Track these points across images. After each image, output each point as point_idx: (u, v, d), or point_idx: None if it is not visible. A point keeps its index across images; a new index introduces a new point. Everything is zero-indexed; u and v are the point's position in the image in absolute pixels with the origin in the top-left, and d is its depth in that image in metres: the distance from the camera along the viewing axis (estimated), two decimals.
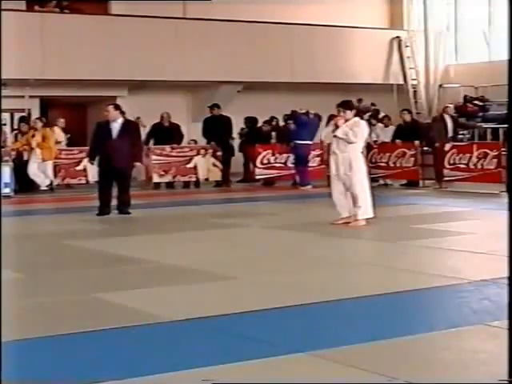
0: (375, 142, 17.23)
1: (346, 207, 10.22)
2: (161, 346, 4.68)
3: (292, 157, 17.57)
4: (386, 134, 17.49)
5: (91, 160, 12.37)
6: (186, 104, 21.20)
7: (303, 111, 17.39)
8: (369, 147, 16.06)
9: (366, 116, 19.05)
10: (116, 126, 11.80)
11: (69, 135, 18.10)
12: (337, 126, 10.18)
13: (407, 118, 17.24)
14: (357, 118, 10.28)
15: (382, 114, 18.71)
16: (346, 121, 10.17)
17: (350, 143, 10.06)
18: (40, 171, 16.38)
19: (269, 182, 17.96)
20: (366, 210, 10.07)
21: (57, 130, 17.48)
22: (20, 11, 18.13)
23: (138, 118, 17.46)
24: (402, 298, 5.98)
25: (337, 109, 10.36)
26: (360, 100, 20.04)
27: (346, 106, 10.31)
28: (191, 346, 4.68)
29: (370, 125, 18.10)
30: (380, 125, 17.91)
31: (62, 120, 17.99)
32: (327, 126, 10.71)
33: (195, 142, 18.59)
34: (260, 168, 17.85)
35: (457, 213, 11.81)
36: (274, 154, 17.90)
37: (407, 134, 16.73)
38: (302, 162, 17.31)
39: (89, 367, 4.28)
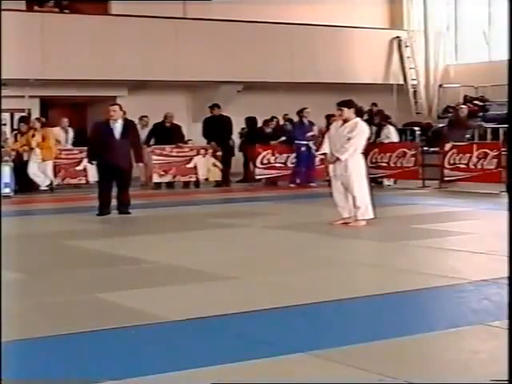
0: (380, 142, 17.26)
1: (346, 207, 10.21)
2: (161, 345, 4.68)
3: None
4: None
5: (91, 160, 12.36)
6: (185, 104, 21.20)
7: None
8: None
9: (365, 116, 19.09)
10: (117, 126, 11.80)
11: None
12: (344, 122, 10.11)
13: None
14: (357, 119, 10.21)
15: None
16: (345, 121, 10.12)
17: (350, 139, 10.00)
18: (40, 171, 16.38)
19: (271, 182, 17.97)
20: (365, 210, 10.05)
21: (56, 130, 17.54)
22: (20, 11, 18.14)
23: (145, 116, 17.64)
24: (401, 298, 5.98)
25: (336, 108, 10.34)
26: (374, 104, 19.82)
27: (344, 104, 10.22)
28: (191, 346, 4.68)
29: (375, 125, 18.19)
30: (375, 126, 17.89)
31: (66, 120, 18.03)
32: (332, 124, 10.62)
33: (192, 142, 18.62)
34: (260, 168, 17.85)
35: (457, 213, 11.81)
36: (273, 154, 17.89)
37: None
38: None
39: (89, 367, 4.28)
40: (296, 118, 17.96)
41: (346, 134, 10.01)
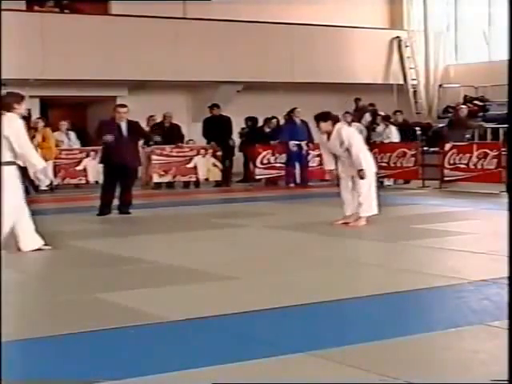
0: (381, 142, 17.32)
1: (350, 206, 10.21)
2: (161, 345, 4.68)
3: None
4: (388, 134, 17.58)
5: (103, 163, 12.32)
6: (186, 104, 21.20)
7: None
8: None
9: (368, 116, 19.15)
10: (123, 126, 11.83)
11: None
12: (328, 136, 10.04)
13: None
14: (338, 126, 9.97)
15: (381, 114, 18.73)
16: (328, 133, 10.05)
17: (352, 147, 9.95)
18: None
19: (271, 182, 17.98)
20: (367, 207, 10.06)
21: (57, 135, 17.61)
22: (20, 11, 18.14)
23: (152, 116, 17.77)
24: (402, 298, 5.97)
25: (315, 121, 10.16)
26: (358, 99, 20.11)
27: (319, 117, 10.00)
28: (191, 346, 4.68)
29: (374, 124, 18.25)
30: (381, 125, 17.94)
31: (64, 123, 18.02)
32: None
33: (193, 142, 18.61)
34: (260, 168, 17.86)
35: (457, 213, 11.81)
36: (273, 154, 17.89)
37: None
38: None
39: (89, 367, 4.28)
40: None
41: (340, 148, 9.95)
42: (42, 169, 8.45)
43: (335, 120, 10.16)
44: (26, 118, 17.54)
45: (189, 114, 20.96)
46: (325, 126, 9.92)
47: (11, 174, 8.03)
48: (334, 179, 10.64)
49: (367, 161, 10.12)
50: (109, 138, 11.59)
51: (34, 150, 8.28)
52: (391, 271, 7.13)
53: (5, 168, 7.92)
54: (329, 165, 10.35)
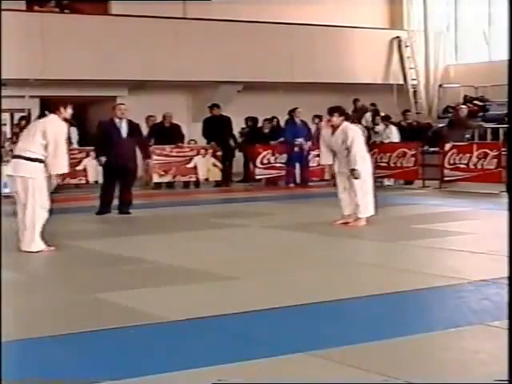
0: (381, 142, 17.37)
1: (348, 205, 10.21)
2: (161, 345, 4.68)
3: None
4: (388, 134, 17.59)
5: (99, 156, 12.33)
6: (186, 104, 21.19)
7: None
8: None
9: (369, 115, 19.16)
10: (124, 126, 11.85)
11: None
12: (333, 130, 10.10)
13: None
14: (345, 124, 10.11)
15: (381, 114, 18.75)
16: (334, 127, 10.10)
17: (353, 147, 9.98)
18: None
19: (271, 182, 17.98)
20: (364, 208, 10.06)
21: None
22: (20, 11, 18.12)
23: (150, 116, 17.77)
24: (402, 298, 5.98)
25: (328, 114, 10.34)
26: (357, 100, 20.11)
27: (334, 110, 10.19)
28: (191, 346, 4.68)
29: (374, 124, 18.26)
30: (381, 125, 17.96)
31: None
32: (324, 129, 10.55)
33: (195, 142, 18.61)
34: (260, 168, 17.85)
35: (457, 213, 11.81)
36: (273, 154, 17.89)
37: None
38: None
39: (89, 367, 4.28)
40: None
41: (342, 144, 10.00)
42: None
43: (347, 117, 10.47)
44: (26, 118, 17.67)
45: (189, 113, 20.94)
46: (337, 119, 10.07)
47: (42, 171, 8.28)
48: (331, 174, 10.68)
49: (365, 162, 10.11)
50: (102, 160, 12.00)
51: (66, 155, 8.56)
52: (391, 271, 7.13)
53: (35, 164, 8.23)
54: (325, 159, 10.45)
